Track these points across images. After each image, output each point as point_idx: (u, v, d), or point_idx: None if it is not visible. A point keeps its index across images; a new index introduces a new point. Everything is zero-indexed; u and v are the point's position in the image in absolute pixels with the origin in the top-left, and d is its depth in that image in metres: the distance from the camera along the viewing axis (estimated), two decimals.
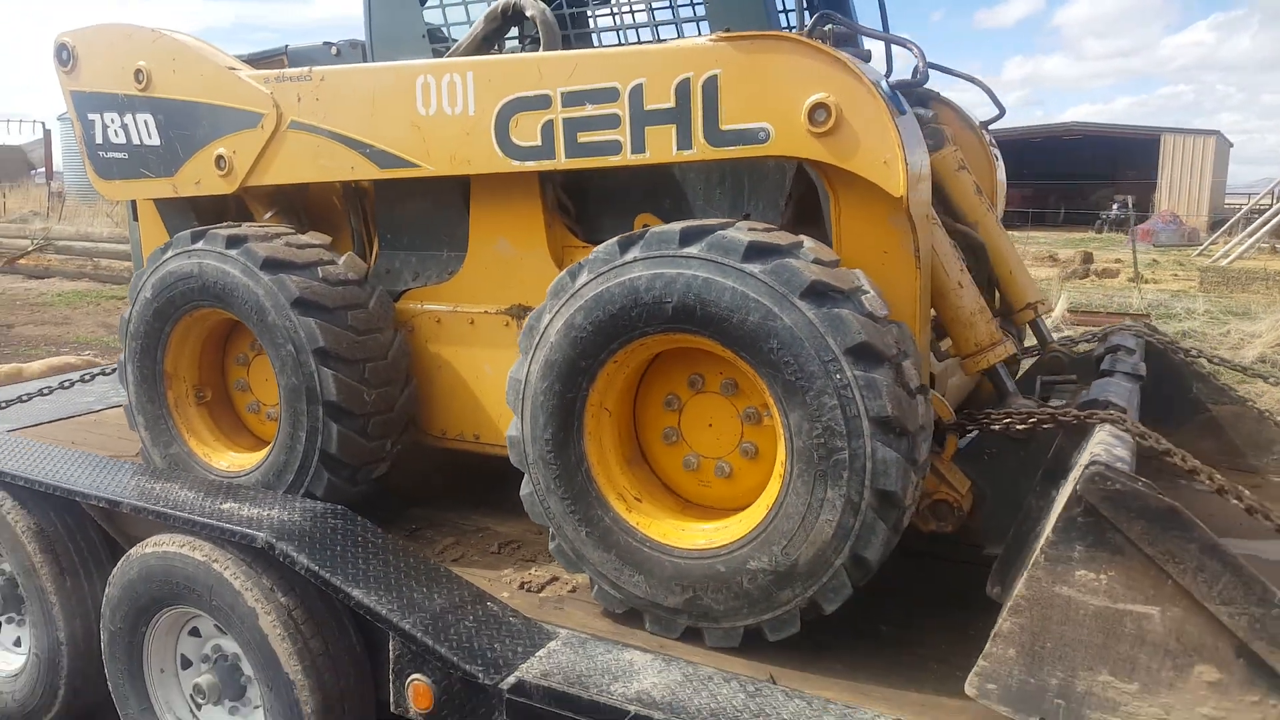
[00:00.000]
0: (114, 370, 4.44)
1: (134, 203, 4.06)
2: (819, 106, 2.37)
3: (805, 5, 3.46)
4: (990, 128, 3.84)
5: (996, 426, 2.55)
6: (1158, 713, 1.86)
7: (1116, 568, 1.87)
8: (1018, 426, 2.52)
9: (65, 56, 3.74)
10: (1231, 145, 40.44)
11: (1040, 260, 20.93)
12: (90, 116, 3.75)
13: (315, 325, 2.98)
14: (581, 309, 2.48)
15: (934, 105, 3.68)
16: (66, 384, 4.51)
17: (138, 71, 3.54)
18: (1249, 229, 22.19)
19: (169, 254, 3.27)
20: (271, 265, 3.03)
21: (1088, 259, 20.60)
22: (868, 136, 2.36)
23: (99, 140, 3.74)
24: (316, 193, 3.64)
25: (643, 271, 2.40)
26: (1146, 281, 17.51)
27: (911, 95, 3.64)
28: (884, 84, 2.41)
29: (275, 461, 3.16)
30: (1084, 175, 39.31)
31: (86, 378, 4.58)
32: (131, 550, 2.98)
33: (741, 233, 2.33)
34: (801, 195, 2.88)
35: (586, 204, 3.14)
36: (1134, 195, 29.12)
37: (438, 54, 3.31)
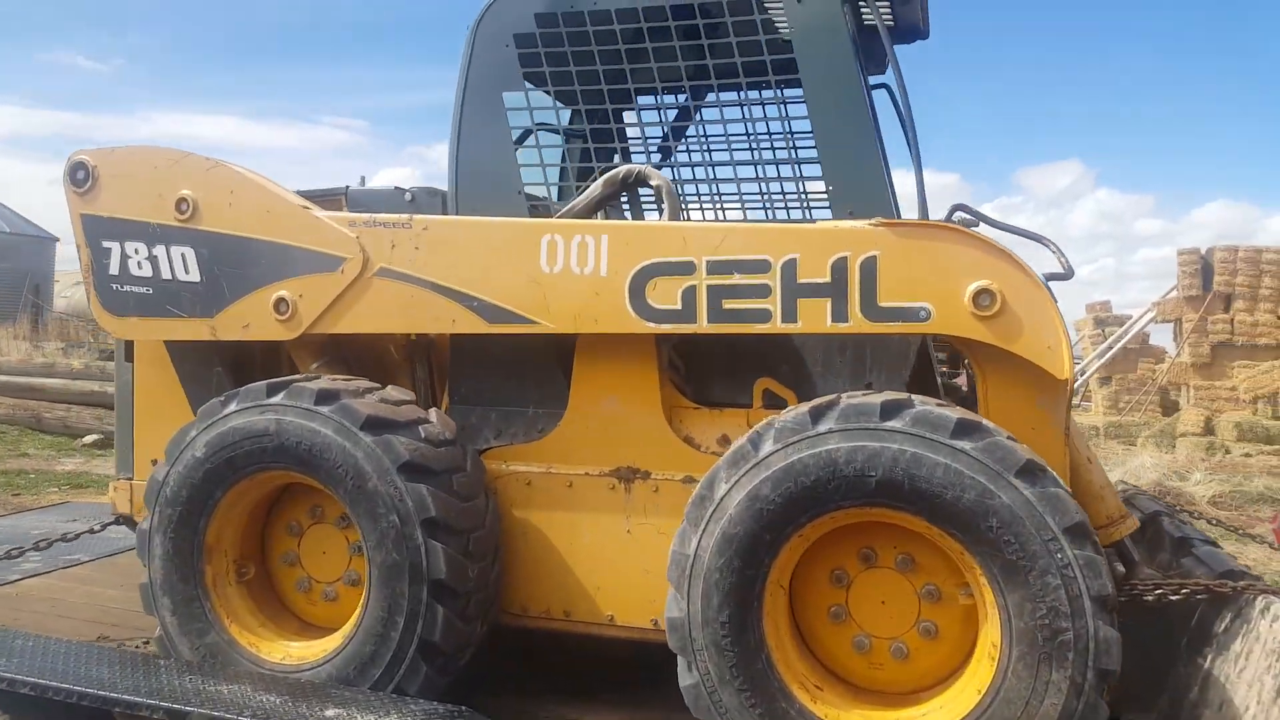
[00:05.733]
0: (102, 530, 3.90)
1: (128, 343, 3.64)
2: (983, 292, 2.50)
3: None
4: None
5: (1150, 597, 2.64)
6: None
7: None
8: (1171, 596, 2.62)
9: (82, 177, 3.40)
10: None
11: None
12: (105, 244, 3.39)
13: (425, 492, 2.73)
14: (769, 479, 2.41)
15: None
16: (44, 544, 3.97)
17: (181, 200, 3.26)
18: None
19: (232, 407, 2.93)
20: (374, 425, 2.78)
21: None
22: (1032, 322, 2.50)
23: (114, 271, 3.38)
24: (368, 342, 3.41)
25: (841, 444, 2.37)
26: None
27: None
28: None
29: (358, 653, 2.78)
30: None
31: (70, 537, 4.03)
32: None
33: (946, 409, 2.37)
34: (914, 368, 2.97)
35: (698, 365, 3.11)
36: None
37: (534, 211, 3.23)
